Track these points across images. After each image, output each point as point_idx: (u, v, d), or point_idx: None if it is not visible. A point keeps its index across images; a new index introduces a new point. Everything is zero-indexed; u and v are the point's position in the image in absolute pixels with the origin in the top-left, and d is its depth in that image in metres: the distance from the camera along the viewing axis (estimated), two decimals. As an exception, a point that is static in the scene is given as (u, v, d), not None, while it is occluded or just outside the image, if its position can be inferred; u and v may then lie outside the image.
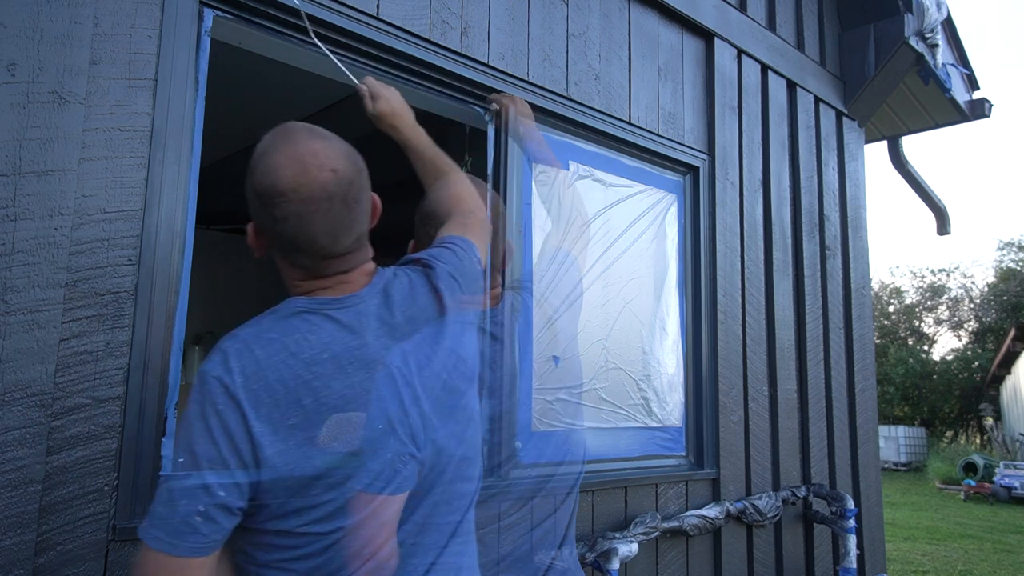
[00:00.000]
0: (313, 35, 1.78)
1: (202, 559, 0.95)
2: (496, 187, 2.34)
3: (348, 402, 1.04)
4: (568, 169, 2.57)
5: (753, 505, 2.93)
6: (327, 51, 1.80)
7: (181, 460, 0.97)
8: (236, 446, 0.97)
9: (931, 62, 3.95)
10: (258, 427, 0.98)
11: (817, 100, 3.80)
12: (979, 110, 4.62)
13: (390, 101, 1.62)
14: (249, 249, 1.17)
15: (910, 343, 26.24)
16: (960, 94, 4.45)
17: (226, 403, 0.98)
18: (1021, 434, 16.86)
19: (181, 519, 0.94)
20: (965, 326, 27.16)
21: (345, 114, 3.73)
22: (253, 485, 0.98)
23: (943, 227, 5.12)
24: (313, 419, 1.01)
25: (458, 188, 1.54)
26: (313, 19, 1.85)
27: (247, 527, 1.02)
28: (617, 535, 2.35)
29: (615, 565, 2.20)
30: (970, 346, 25.67)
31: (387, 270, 1.20)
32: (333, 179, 1.07)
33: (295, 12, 1.86)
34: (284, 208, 1.05)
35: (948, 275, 28.50)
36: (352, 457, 1.03)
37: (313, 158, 1.06)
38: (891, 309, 28.23)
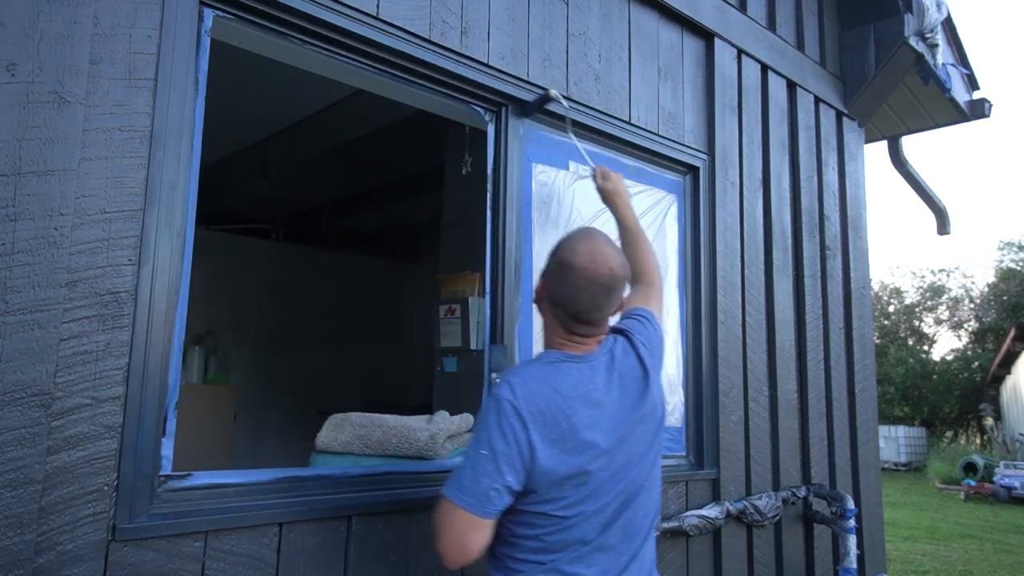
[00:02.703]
0: (570, 130, 2.41)
1: (489, 520, 1.43)
2: (496, 187, 2.34)
3: (588, 428, 1.49)
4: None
5: (753, 505, 2.93)
6: (572, 135, 2.41)
7: (484, 452, 1.43)
8: (520, 448, 1.44)
9: (931, 62, 3.94)
10: (534, 436, 1.44)
11: (817, 100, 3.80)
12: (979, 110, 4.62)
13: (616, 183, 2.21)
14: (533, 293, 1.75)
15: (910, 343, 26.21)
16: (960, 94, 4.44)
17: (515, 418, 1.45)
18: (1021, 434, 16.85)
19: (482, 491, 1.41)
20: (965, 326, 27.13)
21: (343, 114, 3.73)
22: (528, 476, 1.45)
23: (943, 227, 5.11)
24: (566, 437, 1.47)
25: (648, 261, 2.03)
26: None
27: (518, 508, 1.48)
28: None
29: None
30: (970, 346, 25.64)
31: (609, 338, 1.65)
32: (609, 274, 1.55)
33: (295, 12, 1.86)
34: (571, 277, 1.55)
35: (948, 275, 28.48)
36: (589, 468, 1.48)
37: (603, 256, 1.56)
38: (891, 309, 28.20)
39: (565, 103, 2.40)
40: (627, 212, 2.17)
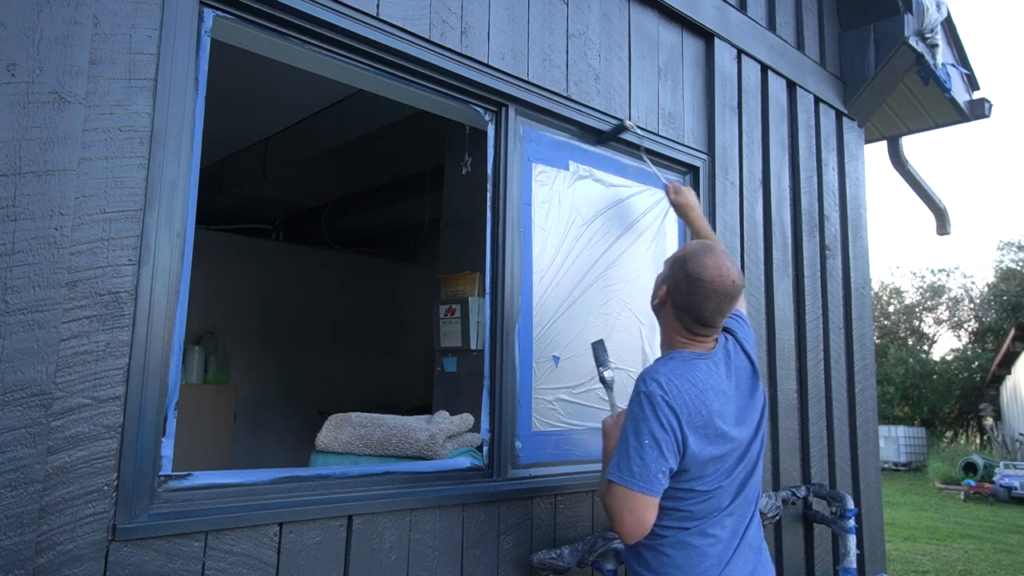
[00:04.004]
0: (645, 157, 2.70)
1: (659, 498, 1.66)
2: (496, 187, 2.34)
3: (720, 415, 1.74)
4: (568, 168, 2.57)
5: (753, 505, 2.93)
6: (648, 162, 2.74)
7: (647, 442, 1.65)
8: (676, 436, 1.67)
9: (931, 62, 3.94)
10: (684, 425, 1.67)
11: (817, 100, 3.80)
12: (979, 110, 4.62)
13: (687, 196, 2.56)
14: (654, 297, 1.92)
15: (910, 343, 26.17)
16: (960, 94, 4.44)
17: (669, 410, 1.67)
18: (1021, 434, 16.85)
19: (652, 475, 1.63)
20: (965, 326, 27.12)
21: (343, 114, 3.73)
22: (680, 459, 1.68)
23: (943, 227, 5.11)
24: (708, 424, 1.71)
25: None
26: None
27: (669, 485, 1.69)
28: (616, 536, 2.34)
29: (613, 566, 2.20)
30: (970, 346, 25.61)
31: (722, 336, 1.90)
32: (732, 286, 1.77)
33: (295, 12, 1.86)
34: (699, 289, 1.76)
35: (948, 275, 28.46)
36: (725, 450, 1.74)
37: (727, 270, 1.78)
38: (891, 309, 28.17)
39: (638, 131, 2.69)
40: (701, 223, 2.49)
